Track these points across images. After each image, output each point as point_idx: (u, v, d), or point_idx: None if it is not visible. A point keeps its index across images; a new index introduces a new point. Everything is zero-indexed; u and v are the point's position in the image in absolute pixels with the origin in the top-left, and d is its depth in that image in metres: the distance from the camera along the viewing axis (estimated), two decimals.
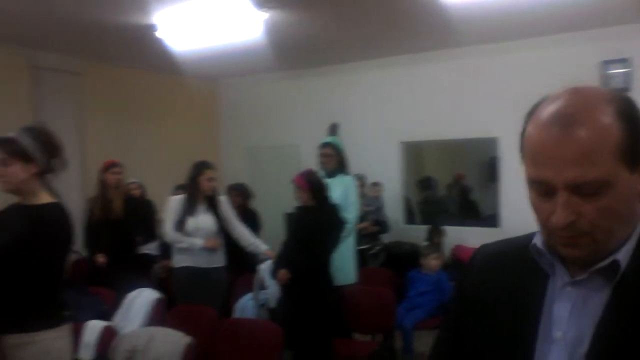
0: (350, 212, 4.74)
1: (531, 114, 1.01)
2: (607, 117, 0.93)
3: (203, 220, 4.56)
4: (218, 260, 4.64)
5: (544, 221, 0.99)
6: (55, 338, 2.48)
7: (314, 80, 7.74)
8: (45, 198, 2.53)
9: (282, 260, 4.30)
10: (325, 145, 5.01)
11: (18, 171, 2.46)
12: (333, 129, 6.53)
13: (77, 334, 3.25)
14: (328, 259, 4.25)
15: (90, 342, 3.67)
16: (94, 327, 3.75)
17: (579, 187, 0.93)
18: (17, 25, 5.49)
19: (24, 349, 2.41)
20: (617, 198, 0.94)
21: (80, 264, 5.30)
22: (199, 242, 4.51)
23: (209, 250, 4.54)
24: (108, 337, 3.65)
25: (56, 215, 2.51)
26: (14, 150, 2.46)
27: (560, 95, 0.98)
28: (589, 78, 5.60)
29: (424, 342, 5.05)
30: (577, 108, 0.94)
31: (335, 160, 4.93)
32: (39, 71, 6.42)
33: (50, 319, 2.48)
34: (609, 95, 0.97)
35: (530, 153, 0.98)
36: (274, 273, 4.34)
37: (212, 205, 4.62)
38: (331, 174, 4.83)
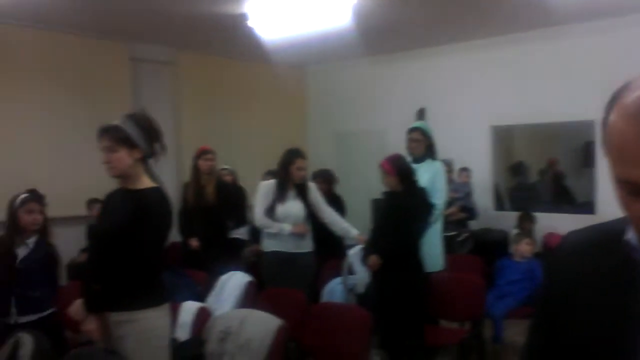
0: (438, 198, 4.66)
1: (614, 101, 0.89)
2: None
3: (292, 206, 4.62)
4: (306, 246, 4.69)
5: (636, 222, 0.90)
6: (157, 317, 2.60)
7: (401, 65, 7.66)
8: (147, 182, 2.66)
9: (372, 246, 4.27)
10: (414, 129, 4.95)
11: (123, 157, 2.59)
12: (421, 114, 6.47)
13: (173, 314, 3.39)
14: (417, 244, 4.19)
15: (186, 323, 3.81)
16: (189, 308, 3.90)
17: None
18: (120, 20, 5.81)
19: (127, 326, 2.55)
20: None
21: (174, 247, 5.52)
22: (287, 227, 4.58)
23: (297, 235, 4.62)
24: (203, 317, 3.78)
25: (158, 199, 2.62)
26: (119, 137, 2.59)
27: None
28: None
29: (514, 331, 4.93)
30: None
31: (423, 145, 4.86)
32: (138, 62, 6.78)
33: (153, 299, 2.61)
34: None
35: (615, 149, 0.87)
36: (365, 259, 4.31)
37: (301, 192, 4.68)
38: (419, 159, 4.76)
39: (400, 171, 4.19)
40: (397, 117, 7.19)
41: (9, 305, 3.54)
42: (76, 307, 2.62)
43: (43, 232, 3.67)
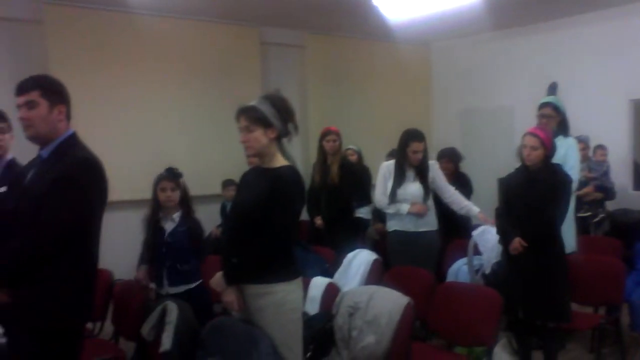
0: (571, 176, 4.43)
1: None
2: None
3: (411, 188, 4.60)
4: (428, 225, 4.65)
5: None
6: (290, 291, 2.70)
7: (530, 38, 7.34)
8: (281, 161, 2.75)
9: (512, 227, 3.88)
10: (545, 105, 4.72)
11: (260, 136, 2.70)
12: (552, 89, 6.17)
13: (304, 289, 3.50)
14: (562, 221, 3.89)
15: (315, 297, 3.94)
16: (318, 283, 4.02)
17: None
18: (251, 5, 6.02)
19: (262, 299, 2.67)
20: None
21: (302, 225, 5.68)
22: (405, 207, 4.58)
23: (416, 215, 4.59)
24: (331, 293, 3.88)
25: (292, 177, 2.71)
26: (255, 117, 2.70)
27: None
28: None
29: None
30: None
31: (554, 121, 4.64)
32: (268, 46, 7.03)
33: (287, 273, 2.72)
34: None
35: None
36: (504, 242, 3.96)
37: (421, 173, 4.63)
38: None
39: (552, 145, 3.87)
40: (526, 93, 6.90)
41: (161, 277, 3.83)
42: (216, 279, 2.77)
43: (184, 207, 3.91)
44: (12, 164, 3.36)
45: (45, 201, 2.38)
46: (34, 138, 2.55)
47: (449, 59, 8.32)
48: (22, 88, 2.51)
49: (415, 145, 4.55)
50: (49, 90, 2.53)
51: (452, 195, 4.76)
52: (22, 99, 2.49)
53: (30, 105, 2.48)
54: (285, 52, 7.23)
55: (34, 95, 2.48)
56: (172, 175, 3.88)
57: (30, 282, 2.40)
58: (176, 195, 3.87)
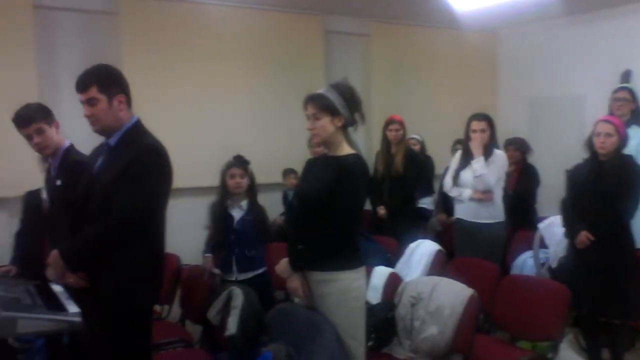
0: None
1: None
2: None
3: (469, 174, 4.54)
4: (491, 216, 4.54)
5: None
6: (354, 279, 2.72)
7: (602, 24, 7.04)
8: (347, 149, 2.77)
9: (578, 220, 3.80)
10: (621, 88, 4.57)
11: (327, 124, 2.73)
12: (626, 77, 5.93)
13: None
14: (633, 215, 3.74)
15: (377, 286, 3.94)
16: (380, 273, 4.02)
17: None
18: None
19: (327, 286, 2.71)
20: None
21: (365, 214, 5.67)
22: (467, 193, 4.54)
23: (480, 203, 4.51)
24: (393, 282, 3.88)
25: (357, 165, 2.73)
26: (323, 105, 2.72)
27: None
28: None
29: None
30: None
31: (629, 106, 4.49)
32: (332, 34, 7.01)
33: (352, 261, 2.74)
34: None
35: None
36: (570, 235, 3.87)
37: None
38: (625, 124, 4.37)
39: (626, 134, 3.74)
40: (596, 81, 6.64)
41: (230, 263, 3.92)
42: (282, 266, 2.82)
43: (251, 195, 3.98)
44: (67, 152, 3.31)
45: (119, 187, 2.48)
46: (101, 131, 2.65)
47: (516, 46, 8.09)
48: (80, 86, 2.58)
49: (474, 124, 4.54)
50: (105, 82, 2.59)
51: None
52: (82, 97, 2.58)
53: (91, 102, 2.57)
54: (349, 40, 7.20)
55: (93, 92, 2.56)
56: (241, 162, 3.96)
57: (106, 265, 2.51)
58: (245, 182, 3.95)
